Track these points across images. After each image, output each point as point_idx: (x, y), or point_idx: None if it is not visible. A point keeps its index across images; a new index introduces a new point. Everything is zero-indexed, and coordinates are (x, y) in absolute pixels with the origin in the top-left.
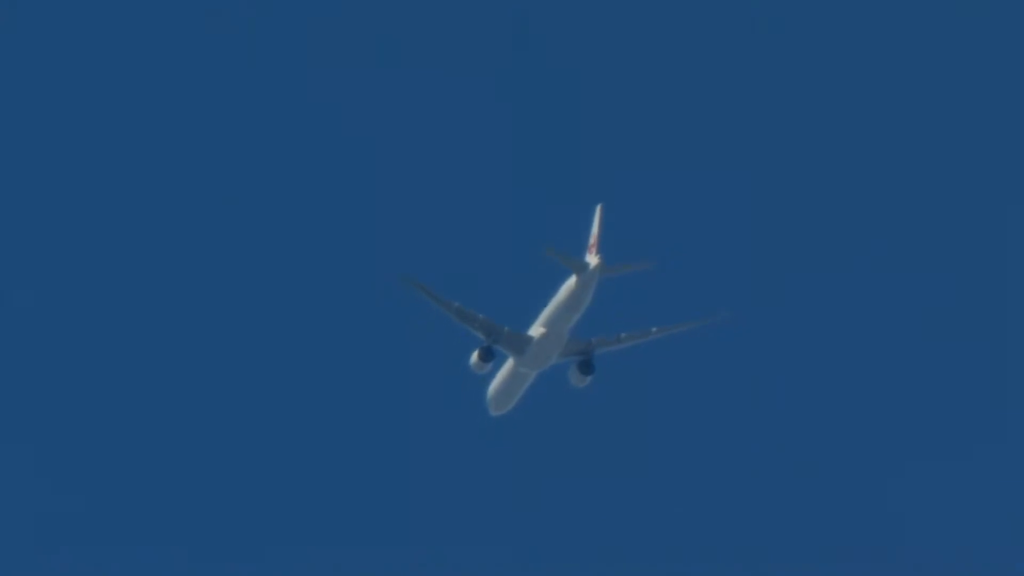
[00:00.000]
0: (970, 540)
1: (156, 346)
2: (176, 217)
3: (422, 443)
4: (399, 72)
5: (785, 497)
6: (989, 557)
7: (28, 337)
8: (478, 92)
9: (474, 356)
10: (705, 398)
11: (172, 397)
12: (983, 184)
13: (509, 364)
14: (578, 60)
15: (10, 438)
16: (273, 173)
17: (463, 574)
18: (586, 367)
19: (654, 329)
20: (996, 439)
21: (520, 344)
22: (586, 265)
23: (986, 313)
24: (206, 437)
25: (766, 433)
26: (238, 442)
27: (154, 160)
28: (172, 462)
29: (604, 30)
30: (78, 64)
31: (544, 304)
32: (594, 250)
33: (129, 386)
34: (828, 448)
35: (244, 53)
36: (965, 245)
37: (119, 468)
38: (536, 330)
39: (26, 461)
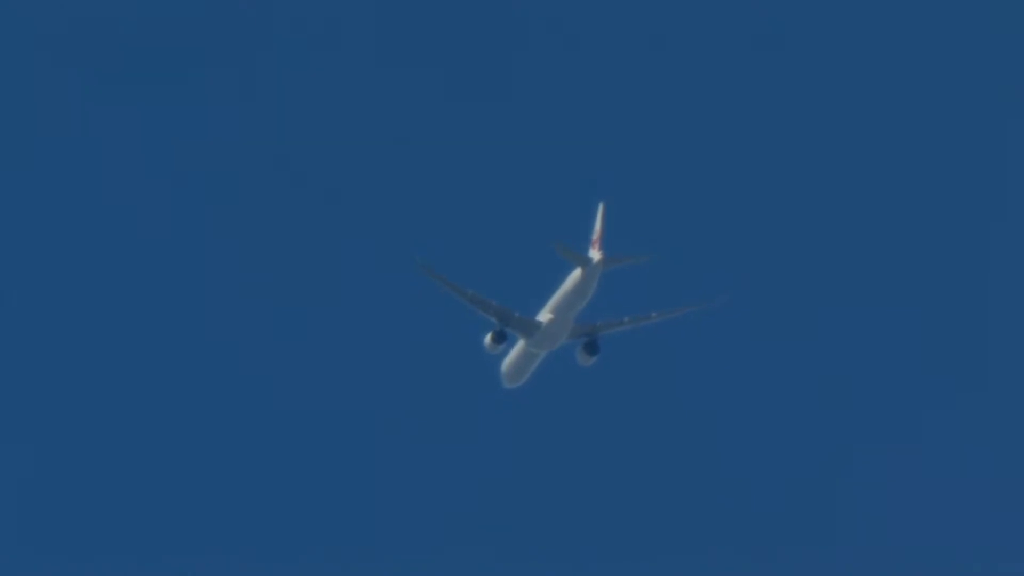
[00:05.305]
0: (968, 538)
1: (169, 341)
2: (183, 216)
3: (440, 414)
4: (405, 70)
5: (780, 471)
6: (987, 556)
7: (29, 337)
8: (488, 89)
9: (487, 338)
10: (701, 378)
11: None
12: (982, 183)
13: (521, 344)
14: (582, 57)
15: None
16: (289, 171)
17: (475, 542)
18: (592, 348)
19: (654, 314)
20: (994, 436)
21: (530, 328)
22: (590, 260)
23: (983, 312)
24: (236, 420)
25: (760, 411)
26: (264, 424)
27: (154, 156)
28: (203, 449)
29: (606, 26)
30: (74, 60)
31: (552, 291)
32: (597, 245)
33: (155, 387)
34: (823, 431)
35: (245, 52)
36: (963, 244)
37: (132, 464)
38: (544, 316)
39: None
